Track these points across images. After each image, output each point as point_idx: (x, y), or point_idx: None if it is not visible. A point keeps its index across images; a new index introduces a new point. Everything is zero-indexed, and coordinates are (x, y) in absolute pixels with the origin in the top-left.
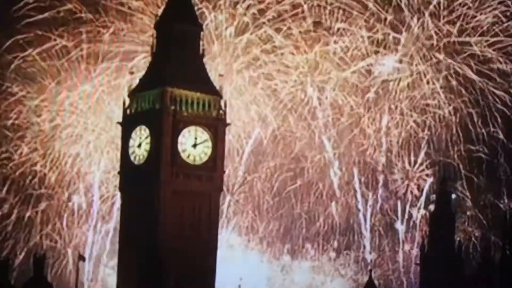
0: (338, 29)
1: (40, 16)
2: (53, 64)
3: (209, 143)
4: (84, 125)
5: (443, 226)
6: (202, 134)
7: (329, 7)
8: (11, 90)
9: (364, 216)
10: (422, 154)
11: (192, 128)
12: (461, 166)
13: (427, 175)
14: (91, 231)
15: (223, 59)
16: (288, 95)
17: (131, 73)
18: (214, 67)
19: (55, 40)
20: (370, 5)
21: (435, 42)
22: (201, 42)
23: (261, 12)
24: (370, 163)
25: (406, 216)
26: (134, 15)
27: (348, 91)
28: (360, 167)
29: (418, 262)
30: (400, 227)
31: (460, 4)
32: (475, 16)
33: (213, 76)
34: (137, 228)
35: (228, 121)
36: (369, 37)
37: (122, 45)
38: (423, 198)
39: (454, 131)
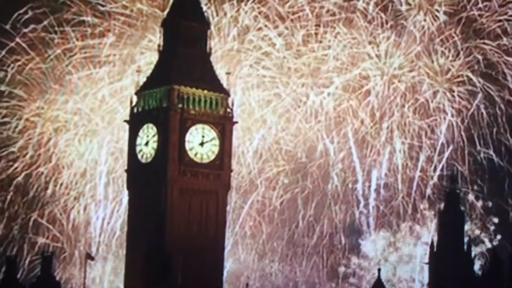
0: (339, 32)
1: (45, 20)
2: (56, 66)
3: (217, 141)
4: (88, 126)
5: (453, 225)
6: (210, 132)
7: (330, 11)
8: (15, 92)
9: (367, 217)
10: (424, 156)
11: (199, 126)
12: (465, 168)
13: (427, 175)
14: (97, 230)
15: (226, 62)
16: (290, 98)
17: (138, 71)
18: (217, 70)
19: (58, 43)
20: (371, 8)
21: (437, 45)
22: (208, 40)
23: (264, 15)
24: (373, 165)
25: (409, 217)
26: (137, 18)
27: (350, 94)
28: (362, 169)
29: (427, 261)
30: (403, 227)
31: (462, 7)
32: (477, 19)
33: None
34: (145, 226)
35: (235, 119)
36: (369, 42)
37: (125, 47)
38: (425, 200)
39: (458, 133)
